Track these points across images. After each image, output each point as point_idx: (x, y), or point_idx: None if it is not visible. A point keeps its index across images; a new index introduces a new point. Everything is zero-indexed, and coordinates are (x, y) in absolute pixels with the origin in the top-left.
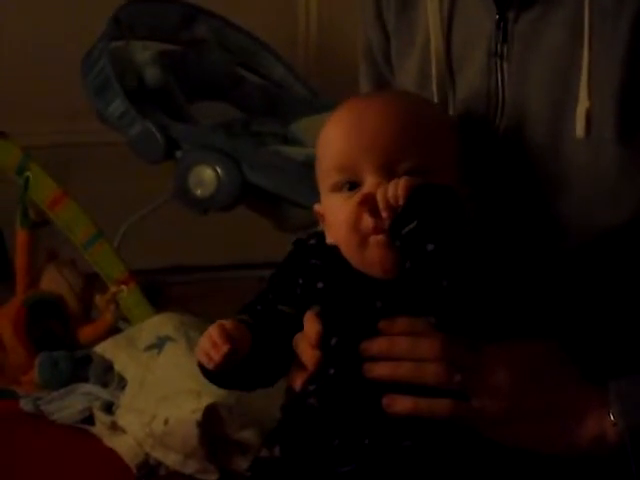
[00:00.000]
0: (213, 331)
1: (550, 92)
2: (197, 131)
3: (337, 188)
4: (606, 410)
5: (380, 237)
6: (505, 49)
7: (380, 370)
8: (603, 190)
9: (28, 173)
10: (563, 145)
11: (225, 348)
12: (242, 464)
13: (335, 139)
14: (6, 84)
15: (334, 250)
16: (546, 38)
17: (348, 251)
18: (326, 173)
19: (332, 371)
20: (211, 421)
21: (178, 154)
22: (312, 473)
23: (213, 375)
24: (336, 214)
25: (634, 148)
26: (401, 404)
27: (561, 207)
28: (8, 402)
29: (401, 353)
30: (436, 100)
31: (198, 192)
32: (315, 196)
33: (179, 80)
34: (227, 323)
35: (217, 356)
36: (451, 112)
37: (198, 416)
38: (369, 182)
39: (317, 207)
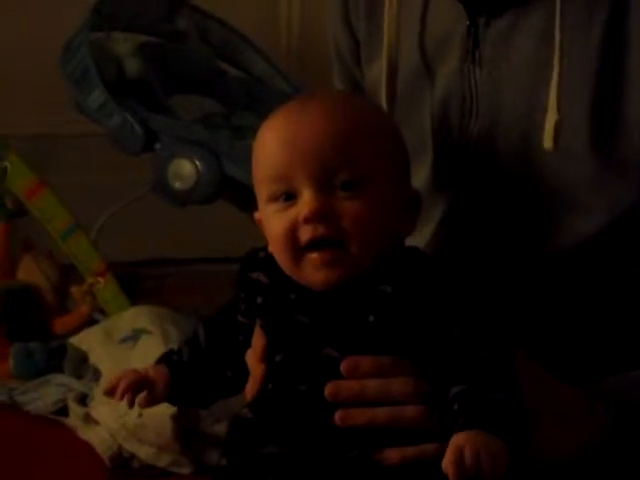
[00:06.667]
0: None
1: (521, 100)
2: (176, 124)
3: (273, 199)
4: (594, 409)
5: (316, 255)
6: (477, 54)
7: (357, 419)
8: (574, 200)
9: (6, 163)
10: (534, 154)
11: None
12: (216, 457)
13: (270, 148)
14: None
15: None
16: (516, 47)
17: (283, 263)
18: (262, 183)
19: (270, 386)
20: (185, 414)
21: (157, 146)
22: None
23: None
24: (272, 225)
25: (606, 160)
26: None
27: (532, 215)
28: None
29: (372, 397)
30: (384, 100)
31: (177, 185)
32: None
33: (159, 72)
34: (127, 375)
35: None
36: (429, 112)
37: (172, 409)
38: (306, 195)
39: (257, 215)
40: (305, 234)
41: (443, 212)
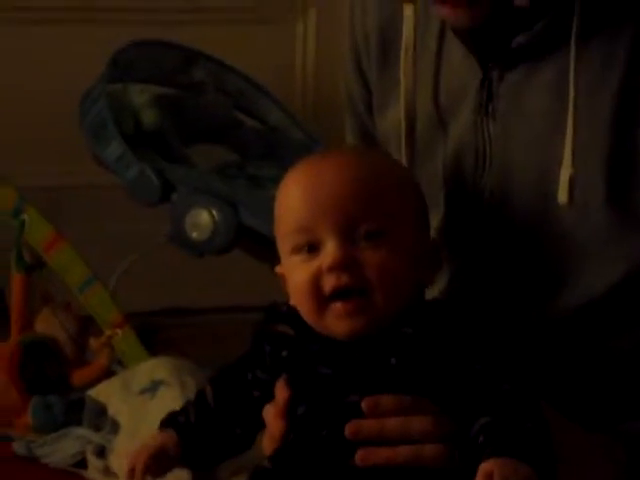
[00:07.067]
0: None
1: (535, 154)
2: (193, 174)
3: (297, 250)
4: (613, 453)
5: (339, 305)
6: (491, 107)
7: (377, 458)
8: (591, 253)
9: (24, 216)
10: (549, 208)
11: None
12: None
13: (293, 200)
14: (1, 125)
15: (300, 315)
16: (530, 100)
17: (307, 314)
18: (284, 236)
19: (291, 437)
20: None
21: (174, 197)
22: None
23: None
24: (295, 276)
25: (623, 213)
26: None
27: (549, 268)
28: (1, 445)
29: (392, 435)
30: (404, 151)
31: (194, 235)
32: None
33: (176, 123)
34: (147, 453)
35: None
36: (441, 163)
37: None
38: (329, 245)
39: (279, 269)
40: (329, 283)
41: (454, 265)
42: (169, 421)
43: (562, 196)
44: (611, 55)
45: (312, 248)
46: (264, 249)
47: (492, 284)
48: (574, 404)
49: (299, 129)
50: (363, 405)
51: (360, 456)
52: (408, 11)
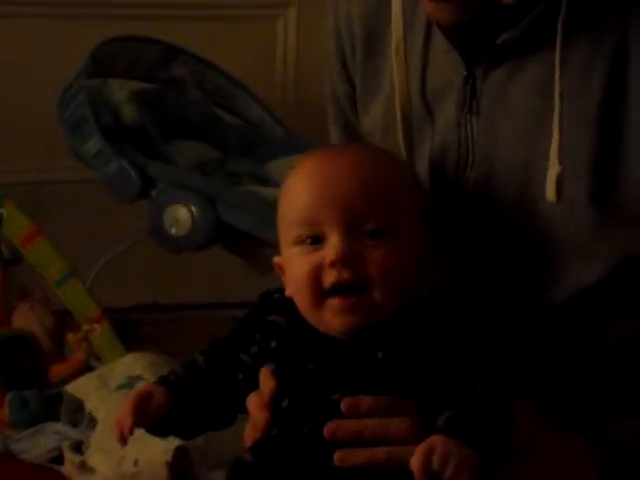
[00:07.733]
0: (122, 406)
1: (519, 151)
2: (172, 170)
3: (299, 242)
4: (592, 455)
5: (337, 300)
6: (475, 104)
7: (355, 459)
8: (575, 248)
9: (2, 210)
10: (533, 204)
11: (127, 428)
12: None
13: (300, 193)
14: None
15: (295, 306)
16: (514, 97)
17: (303, 307)
18: (289, 226)
19: (274, 432)
20: (181, 462)
21: (153, 193)
22: None
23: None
24: (295, 268)
25: (606, 210)
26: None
27: (532, 263)
28: None
29: (371, 436)
30: (403, 149)
31: (173, 231)
32: None
33: (156, 119)
34: (135, 394)
35: (124, 432)
36: (428, 157)
37: (168, 457)
38: (333, 239)
39: (277, 259)
40: (330, 277)
41: (436, 263)
42: (157, 381)
43: (550, 194)
44: (596, 52)
45: (315, 241)
46: (242, 245)
47: (477, 278)
48: (559, 402)
49: (279, 126)
50: (342, 405)
51: (338, 457)
52: (397, 6)
